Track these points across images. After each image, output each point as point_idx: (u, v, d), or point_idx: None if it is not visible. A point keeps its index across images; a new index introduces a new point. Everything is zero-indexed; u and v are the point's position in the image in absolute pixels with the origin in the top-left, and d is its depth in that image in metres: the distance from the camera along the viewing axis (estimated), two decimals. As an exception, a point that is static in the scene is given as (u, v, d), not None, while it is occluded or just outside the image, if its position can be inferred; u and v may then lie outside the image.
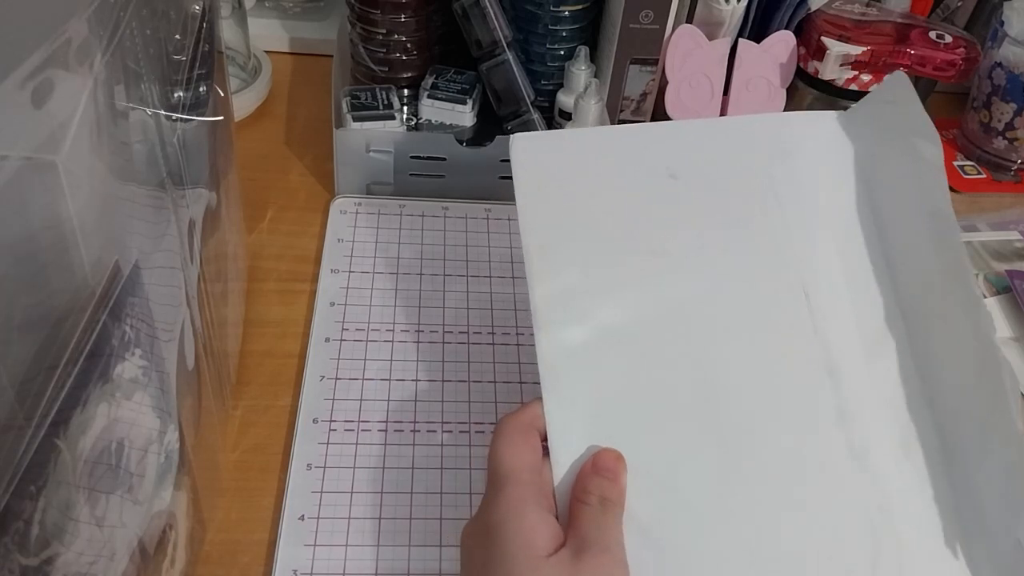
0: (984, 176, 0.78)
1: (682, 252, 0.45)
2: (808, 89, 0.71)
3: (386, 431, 0.52)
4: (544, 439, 0.41)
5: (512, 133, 0.47)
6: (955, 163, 0.79)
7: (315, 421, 0.52)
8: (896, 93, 0.47)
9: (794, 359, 0.44)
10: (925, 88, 0.77)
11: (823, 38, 0.68)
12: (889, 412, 0.44)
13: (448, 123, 0.67)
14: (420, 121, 0.68)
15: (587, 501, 0.38)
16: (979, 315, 0.42)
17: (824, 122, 0.49)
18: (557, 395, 0.41)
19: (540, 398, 0.41)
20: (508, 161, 0.46)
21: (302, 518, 0.48)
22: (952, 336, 0.43)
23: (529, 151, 0.46)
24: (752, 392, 0.43)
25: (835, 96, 0.70)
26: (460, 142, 0.65)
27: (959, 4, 0.80)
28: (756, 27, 0.70)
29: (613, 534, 0.38)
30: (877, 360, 0.45)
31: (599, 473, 0.39)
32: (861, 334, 0.45)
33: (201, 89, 0.43)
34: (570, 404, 0.41)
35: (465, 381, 0.55)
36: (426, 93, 0.67)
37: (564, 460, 0.40)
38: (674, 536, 0.40)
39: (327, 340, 0.56)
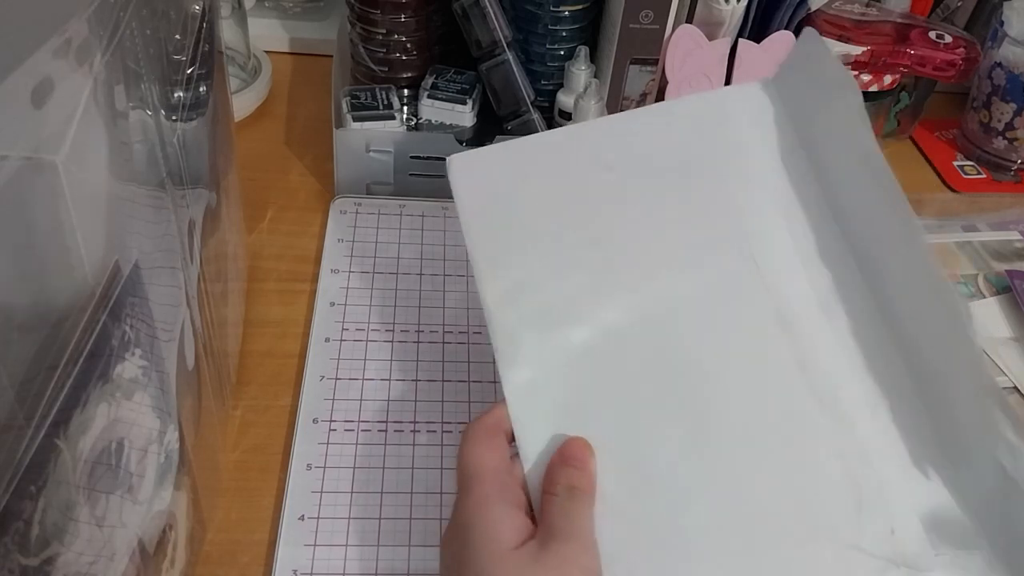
0: (984, 176, 0.78)
1: (630, 240, 0.46)
2: (808, 89, 0.71)
3: (386, 431, 0.52)
4: (511, 439, 0.41)
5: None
6: (955, 163, 0.79)
7: (315, 421, 0.52)
8: (810, 49, 0.48)
9: (749, 324, 0.44)
10: (925, 88, 0.78)
11: (823, 38, 0.68)
12: (856, 355, 0.44)
13: (448, 123, 0.67)
14: (420, 121, 0.68)
15: (555, 492, 0.38)
16: (921, 246, 0.42)
17: (751, 91, 0.50)
18: (521, 396, 0.41)
19: (504, 401, 0.41)
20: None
21: (302, 518, 0.48)
22: (903, 270, 0.43)
23: (467, 169, 0.48)
24: (715, 365, 0.43)
25: (835, 96, 0.70)
26: (460, 142, 0.65)
27: (959, 4, 0.80)
28: (756, 27, 0.70)
29: (580, 521, 0.38)
30: (834, 306, 0.45)
31: (566, 463, 0.39)
32: (814, 285, 0.45)
33: (201, 89, 0.43)
34: (535, 403, 0.41)
35: (465, 381, 0.55)
36: (426, 93, 0.67)
37: (532, 454, 0.40)
38: (652, 513, 0.40)
39: (327, 340, 0.56)
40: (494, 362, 0.43)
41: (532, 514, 0.39)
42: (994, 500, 0.39)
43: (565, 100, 0.67)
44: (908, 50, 0.68)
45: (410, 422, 0.53)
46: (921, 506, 0.41)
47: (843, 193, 0.46)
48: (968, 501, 0.41)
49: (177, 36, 0.39)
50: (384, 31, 0.67)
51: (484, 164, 0.48)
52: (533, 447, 0.40)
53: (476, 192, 0.47)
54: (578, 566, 0.36)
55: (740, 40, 0.68)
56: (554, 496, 0.38)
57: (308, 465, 0.50)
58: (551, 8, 0.66)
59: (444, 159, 0.64)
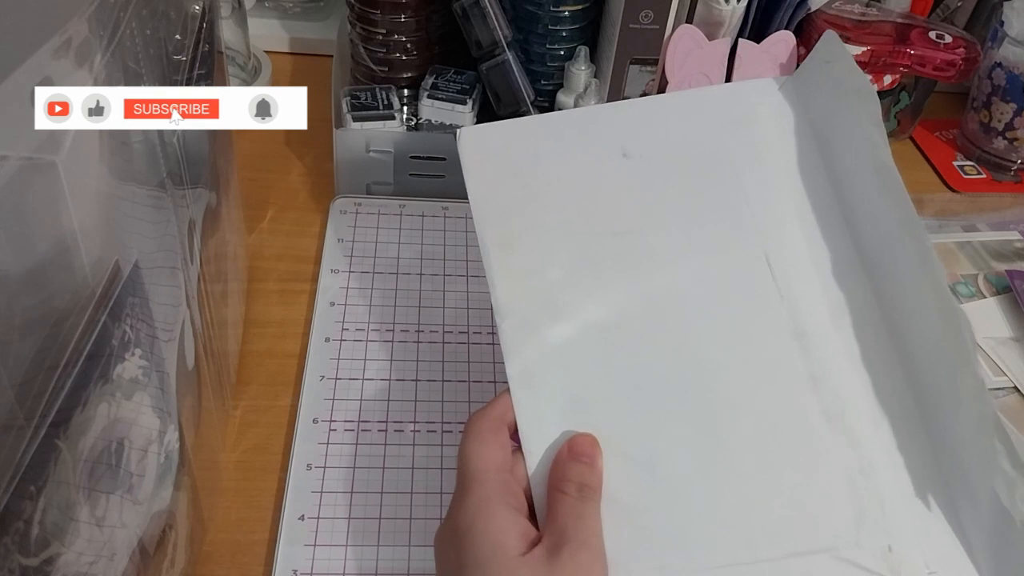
0: (984, 176, 0.78)
1: (642, 231, 0.45)
2: (808, 89, 0.71)
3: (386, 431, 0.52)
4: (514, 432, 0.40)
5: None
6: (955, 163, 0.79)
7: (315, 421, 0.52)
8: (832, 52, 0.48)
9: (762, 328, 0.44)
10: (925, 88, 0.78)
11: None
12: (862, 371, 0.44)
13: (448, 123, 0.67)
14: (420, 121, 0.68)
15: (565, 490, 0.37)
16: (933, 267, 0.42)
17: (770, 88, 0.50)
18: (526, 386, 0.41)
19: (508, 391, 0.41)
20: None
21: (302, 518, 0.48)
22: (912, 289, 0.43)
23: (477, 143, 0.46)
24: (724, 365, 0.43)
25: (835, 96, 0.70)
26: (460, 142, 0.65)
27: (959, 4, 0.80)
28: (756, 27, 0.70)
29: (592, 526, 0.37)
30: (843, 318, 0.45)
31: (576, 458, 0.38)
32: (826, 295, 0.45)
33: (201, 89, 0.43)
34: (540, 393, 0.41)
35: (465, 381, 0.55)
36: (426, 93, 0.67)
37: (537, 449, 0.40)
38: (656, 516, 0.39)
39: (327, 340, 0.56)
40: (499, 359, 0.43)
41: (532, 514, 0.38)
42: (989, 528, 0.39)
43: (565, 100, 0.67)
44: (908, 50, 0.68)
45: (410, 422, 0.53)
46: (919, 527, 0.41)
47: (857, 203, 0.46)
48: (964, 527, 0.41)
49: (177, 36, 0.39)
50: (384, 31, 0.67)
51: (496, 139, 0.47)
52: (537, 441, 0.40)
53: (486, 169, 0.45)
54: (592, 574, 0.35)
55: (740, 40, 0.68)
56: (565, 495, 0.37)
57: (308, 465, 0.50)
58: (551, 8, 0.66)
59: (444, 159, 0.65)
